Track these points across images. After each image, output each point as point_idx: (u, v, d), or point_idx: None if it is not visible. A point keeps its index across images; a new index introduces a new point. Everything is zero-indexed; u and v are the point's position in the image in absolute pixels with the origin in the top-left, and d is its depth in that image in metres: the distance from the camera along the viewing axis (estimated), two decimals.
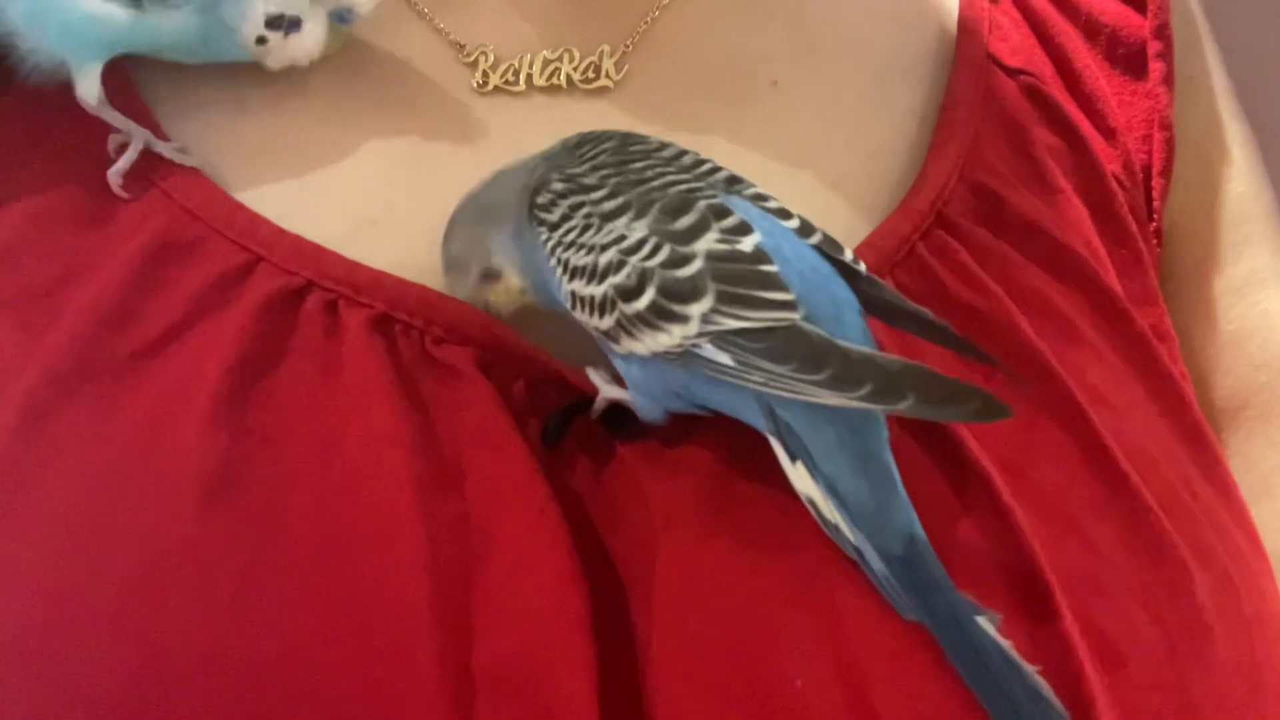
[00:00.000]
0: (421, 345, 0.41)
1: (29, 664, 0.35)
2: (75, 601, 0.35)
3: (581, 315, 0.39)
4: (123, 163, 0.42)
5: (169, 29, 0.42)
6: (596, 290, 0.38)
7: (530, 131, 0.46)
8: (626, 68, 0.48)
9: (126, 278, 0.41)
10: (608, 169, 0.40)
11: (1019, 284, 0.44)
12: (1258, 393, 0.48)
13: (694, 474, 0.39)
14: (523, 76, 0.47)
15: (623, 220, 0.39)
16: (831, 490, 0.37)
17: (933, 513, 0.38)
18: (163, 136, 0.44)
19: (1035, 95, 0.50)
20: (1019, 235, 0.46)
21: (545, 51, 0.48)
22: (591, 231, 0.39)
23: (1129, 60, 0.51)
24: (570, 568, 0.37)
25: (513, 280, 0.41)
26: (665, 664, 0.36)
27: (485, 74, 0.47)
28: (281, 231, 0.42)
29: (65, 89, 0.43)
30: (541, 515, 0.37)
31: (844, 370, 0.36)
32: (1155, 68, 0.50)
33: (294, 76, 0.45)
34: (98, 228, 0.43)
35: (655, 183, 0.39)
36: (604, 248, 0.38)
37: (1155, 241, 0.50)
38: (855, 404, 0.36)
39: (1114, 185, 0.49)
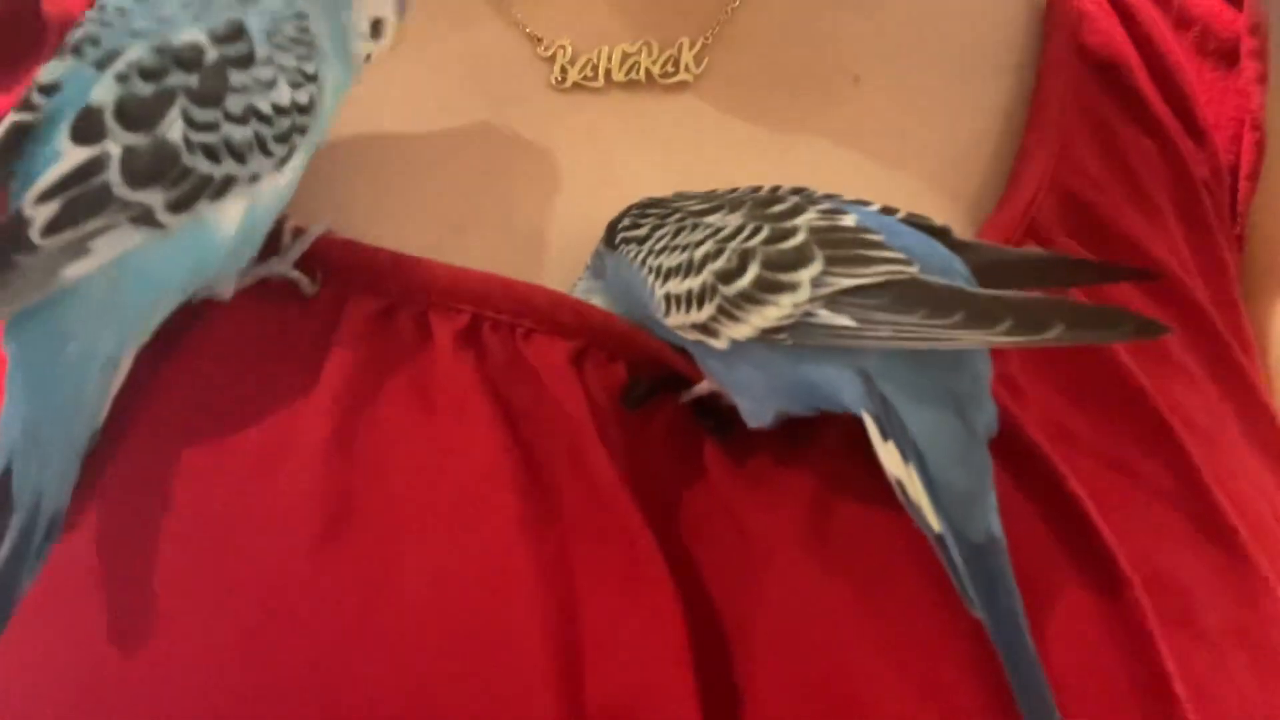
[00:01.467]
0: (512, 342, 0.40)
1: (154, 714, 0.35)
2: (193, 647, 0.35)
3: (677, 316, 0.39)
4: (307, 292, 0.41)
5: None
6: (694, 282, 0.38)
7: (610, 129, 0.46)
8: (706, 61, 0.47)
9: (234, 313, 0.40)
10: (693, 199, 0.40)
11: (1110, 300, 0.44)
12: None
13: (795, 504, 0.38)
14: (601, 71, 0.47)
15: (717, 215, 0.38)
16: (923, 472, 0.36)
17: (1029, 545, 0.38)
18: None
19: (1125, 93, 0.49)
20: (1108, 246, 0.45)
21: (624, 45, 0.47)
22: (685, 232, 0.39)
23: (1220, 55, 0.50)
24: (670, 603, 0.37)
25: None
26: (764, 700, 0.36)
27: (564, 69, 0.46)
28: (370, 250, 0.41)
29: None
30: (636, 548, 0.37)
31: (978, 309, 0.34)
32: (1249, 66, 0.49)
33: (373, 81, 0.44)
34: None
35: (739, 192, 0.39)
36: (699, 243, 0.38)
37: (1237, 246, 0.49)
38: (1000, 340, 0.34)
39: (1202, 190, 0.48)
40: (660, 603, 0.36)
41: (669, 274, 0.38)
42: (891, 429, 0.36)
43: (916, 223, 0.39)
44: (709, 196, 0.40)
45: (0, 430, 0.37)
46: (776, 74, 0.47)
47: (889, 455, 0.36)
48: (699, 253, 0.38)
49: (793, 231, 0.37)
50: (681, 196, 0.41)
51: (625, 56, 0.47)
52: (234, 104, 0.37)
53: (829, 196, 0.39)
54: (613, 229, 0.41)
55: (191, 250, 0.38)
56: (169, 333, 0.39)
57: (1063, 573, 0.38)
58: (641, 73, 0.47)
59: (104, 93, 0.37)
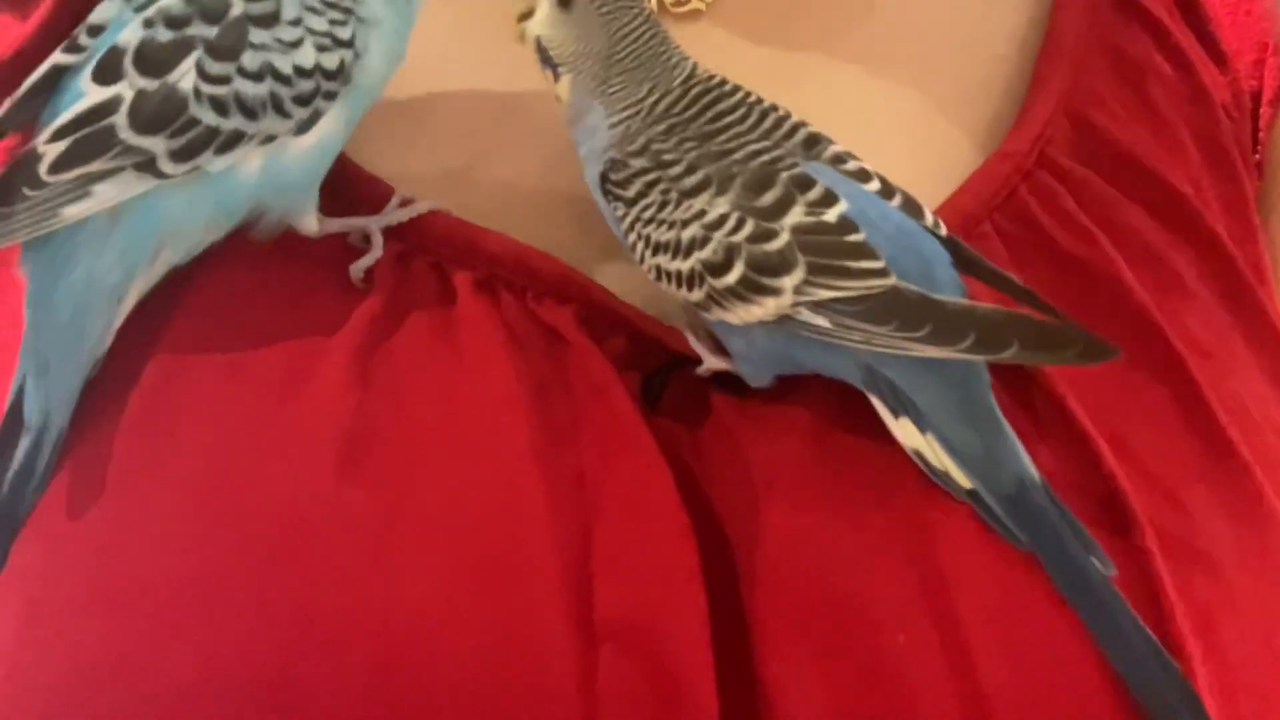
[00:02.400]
0: (524, 303, 0.41)
1: (175, 630, 0.36)
2: (220, 567, 0.36)
3: (668, 287, 0.40)
4: (367, 260, 0.41)
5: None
6: (684, 265, 0.39)
7: None
8: None
9: (261, 249, 0.41)
10: (689, 141, 0.40)
11: (1122, 228, 0.44)
12: None
13: (794, 434, 0.39)
14: None
15: (704, 196, 0.39)
16: (940, 439, 0.37)
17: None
18: None
19: (1144, 19, 0.48)
20: (1123, 174, 0.45)
21: None
22: (670, 207, 0.39)
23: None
24: (680, 522, 0.38)
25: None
26: (770, 621, 0.37)
27: None
28: (381, 187, 0.42)
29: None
30: (650, 470, 0.38)
31: (945, 324, 0.37)
32: (1272, 64, 0.49)
33: None
34: None
35: (737, 155, 0.39)
36: (685, 223, 0.39)
37: (1257, 172, 0.48)
38: (959, 355, 0.36)
39: (1222, 116, 0.48)
40: (671, 523, 0.37)
41: (658, 248, 0.39)
42: (901, 405, 0.37)
43: (909, 213, 0.39)
44: (694, 163, 0.39)
45: (20, 353, 0.39)
46: (787, 2, 0.47)
47: (904, 430, 0.38)
48: (686, 235, 0.39)
49: (776, 233, 0.37)
50: (716, 96, 0.40)
51: None
52: (250, 60, 0.38)
53: (838, 157, 0.39)
54: (610, 165, 0.41)
55: (198, 200, 0.38)
56: (205, 272, 0.40)
57: (1078, 512, 0.38)
58: (653, 2, 0.46)
59: (129, 35, 0.38)
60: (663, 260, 0.39)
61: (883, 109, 0.45)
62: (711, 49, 0.46)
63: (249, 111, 0.38)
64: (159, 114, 0.37)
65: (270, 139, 0.38)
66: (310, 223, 0.40)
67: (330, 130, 0.39)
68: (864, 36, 0.46)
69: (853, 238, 0.37)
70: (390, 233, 0.41)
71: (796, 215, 0.38)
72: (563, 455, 0.38)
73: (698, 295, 0.39)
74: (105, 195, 0.37)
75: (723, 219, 0.38)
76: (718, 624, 0.37)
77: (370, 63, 0.40)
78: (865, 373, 0.38)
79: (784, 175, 0.38)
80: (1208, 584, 0.39)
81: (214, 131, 0.38)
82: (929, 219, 0.40)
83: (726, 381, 0.41)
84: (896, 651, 0.37)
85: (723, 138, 0.40)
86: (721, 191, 0.38)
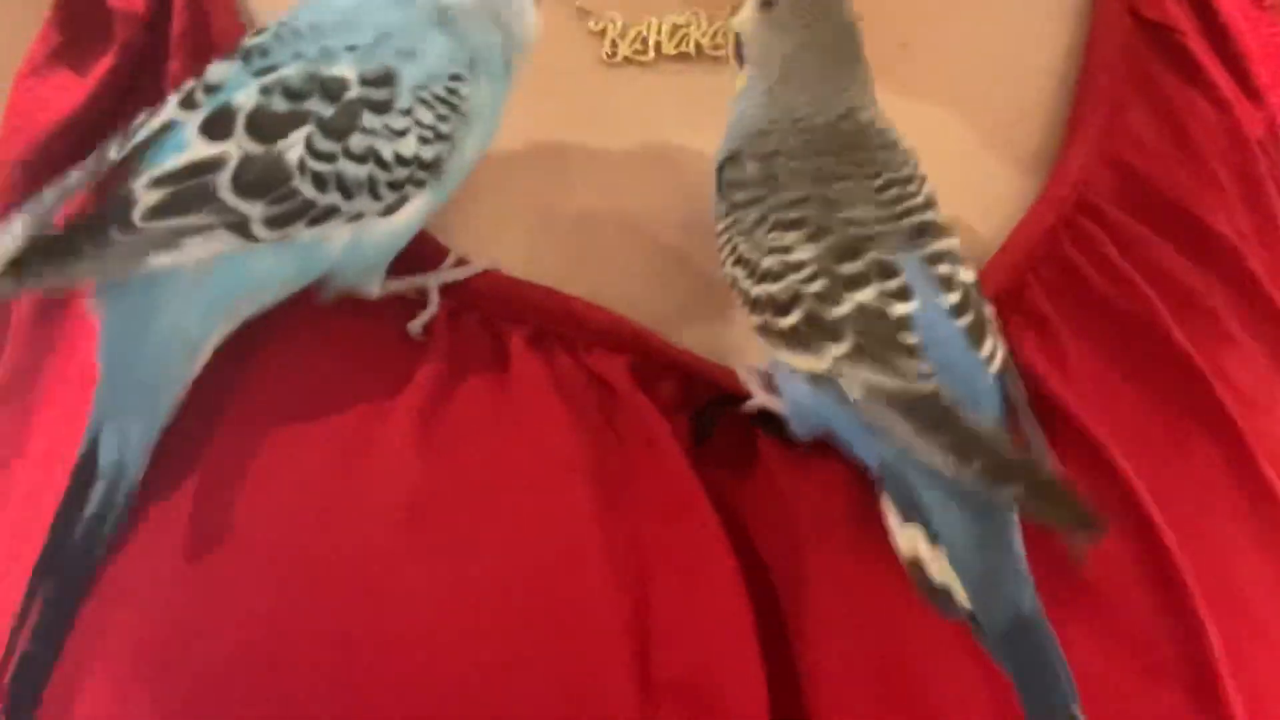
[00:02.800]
0: (575, 355, 0.41)
1: (252, 696, 0.37)
2: (295, 635, 0.37)
3: (735, 298, 0.40)
4: (425, 316, 0.41)
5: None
6: (754, 288, 0.39)
7: (662, 105, 0.46)
8: None
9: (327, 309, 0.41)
10: (809, 174, 0.40)
11: (1164, 276, 0.44)
12: None
13: (841, 488, 0.39)
14: (651, 44, 0.47)
15: (795, 235, 0.39)
16: (950, 554, 0.37)
17: None
18: None
19: (1178, 54, 0.48)
20: (1163, 219, 0.45)
21: (673, 17, 0.47)
22: (764, 229, 0.39)
23: (1278, 7, 0.49)
24: (734, 581, 0.38)
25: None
26: (824, 676, 0.38)
27: (614, 43, 0.47)
28: (436, 246, 0.43)
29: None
30: (703, 530, 0.39)
31: (959, 441, 0.36)
32: None
33: None
34: None
35: (842, 213, 0.39)
36: (770, 251, 0.39)
37: None
38: (963, 477, 0.36)
39: (1257, 152, 0.48)
40: (726, 583, 0.38)
41: (739, 260, 0.40)
42: (915, 511, 0.37)
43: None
44: (799, 199, 0.40)
45: (94, 399, 0.39)
46: None
47: (907, 537, 0.37)
48: (765, 263, 0.39)
49: (843, 302, 0.38)
50: (855, 139, 0.40)
51: (675, 29, 0.47)
52: (357, 143, 0.38)
53: (935, 256, 0.39)
54: (721, 165, 0.42)
55: (282, 266, 0.39)
56: (268, 325, 0.40)
57: (1115, 559, 0.39)
58: (691, 45, 0.47)
59: (245, 98, 0.39)
60: (738, 273, 0.40)
61: (922, 150, 0.45)
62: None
63: (346, 190, 0.39)
64: (261, 180, 0.38)
65: (358, 217, 0.39)
66: (373, 286, 0.41)
67: (415, 213, 0.40)
68: (900, 78, 0.47)
69: (907, 338, 0.38)
70: (442, 289, 0.42)
71: (866, 295, 0.38)
72: (618, 514, 0.39)
73: (756, 320, 0.39)
74: (194, 250, 0.38)
75: (801, 265, 0.39)
76: (772, 677, 0.37)
77: (463, 154, 0.41)
78: (889, 466, 0.38)
79: (872, 255, 0.39)
80: (1252, 642, 0.39)
81: (310, 204, 0.38)
82: (986, 349, 0.39)
83: (773, 427, 0.41)
84: (950, 704, 0.37)
85: (840, 186, 0.40)
86: (812, 239, 0.39)
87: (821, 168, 0.40)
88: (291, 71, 0.39)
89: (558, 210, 0.44)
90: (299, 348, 0.41)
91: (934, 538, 0.37)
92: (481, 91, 0.41)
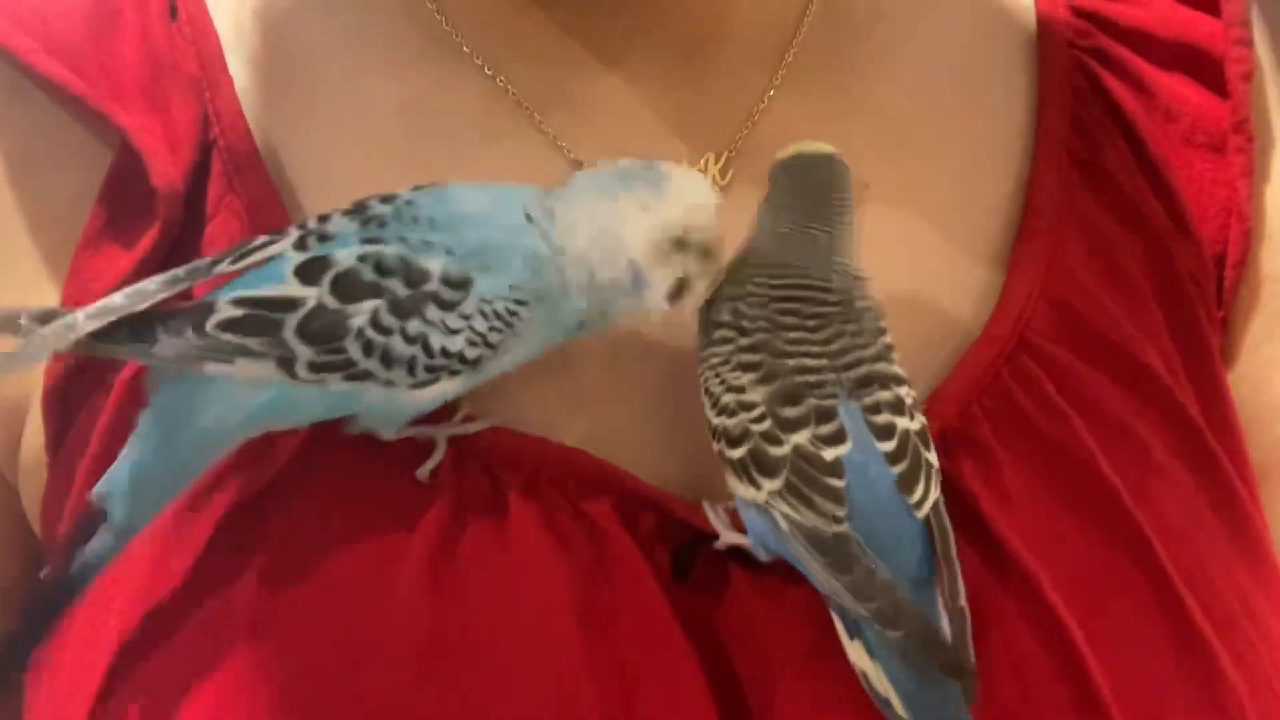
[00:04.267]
0: (568, 498, 0.45)
1: None
2: None
3: (706, 429, 0.44)
4: (431, 463, 0.45)
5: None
6: (714, 420, 0.44)
7: None
8: (730, 173, 0.51)
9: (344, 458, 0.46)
10: (767, 322, 0.44)
11: (1098, 411, 0.48)
12: None
13: (806, 621, 0.43)
14: None
15: (749, 377, 0.44)
16: (886, 670, 0.41)
17: (1003, 653, 0.43)
18: None
19: (1112, 190, 0.52)
20: (1098, 355, 0.49)
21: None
22: (728, 368, 0.44)
23: (1209, 146, 0.53)
24: (706, 708, 0.42)
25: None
26: None
27: None
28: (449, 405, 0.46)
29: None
30: (680, 660, 0.43)
31: (859, 582, 0.41)
32: (1235, 161, 0.53)
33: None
34: None
35: (790, 361, 0.44)
36: (729, 389, 0.44)
37: (1221, 329, 0.53)
38: (859, 612, 0.41)
39: (1187, 282, 0.52)
40: (699, 708, 0.42)
41: (707, 392, 0.44)
42: (855, 630, 0.42)
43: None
44: (757, 345, 0.44)
45: (122, 459, 0.44)
46: None
47: (855, 651, 0.42)
48: (724, 399, 0.43)
49: (782, 443, 0.42)
50: (741, 319, 0.45)
51: None
52: (414, 327, 0.43)
53: (875, 407, 0.43)
54: (710, 302, 0.46)
55: (317, 400, 0.43)
56: (292, 460, 0.45)
57: (1033, 662, 0.43)
58: None
59: (343, 256, 0.43)
60: (706, 404, 0.44)
61: (877, 283, 0.49)
62: (728, 230, 0.50)
63: (387, 362, 0.43)
64: (321, 331, 0.42)
65: (390, 384, 0.43)
66: (389, 433, 0.45)
67: (440, 393, 0.44)
68: (860, 216, 0.51)
69: (833, 481, 0.42)
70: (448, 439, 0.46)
71: (802, 438, 0.42)
72: (605, 646, 0.43)
73: (715, 448, 0.44)
74: (244, 371, 0.42)
75: (752, 405, 0.43)
76: None
77: (501, 360, 0.45)
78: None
79: (813, 401, 0.43)
80: None
81: (350, 363, 0.42)
82: (916, 495, 0.43)
83: (747, 557, 0.45)
84: None
85: (793, 335, 0.44)
86: (763, 383, 0.43)
87: (780, 319, 0.44)
88: (391, 250, 0.43)
89: (550, 357, 0.48)
90: (319, 492, 0.45)
91: (873, 653, 0.41)
92: (537, 323, 0.44)
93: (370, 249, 0.43)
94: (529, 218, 0.44)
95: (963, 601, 0.42)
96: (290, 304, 0.42)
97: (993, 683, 0.43)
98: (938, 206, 0.52)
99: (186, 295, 0.45)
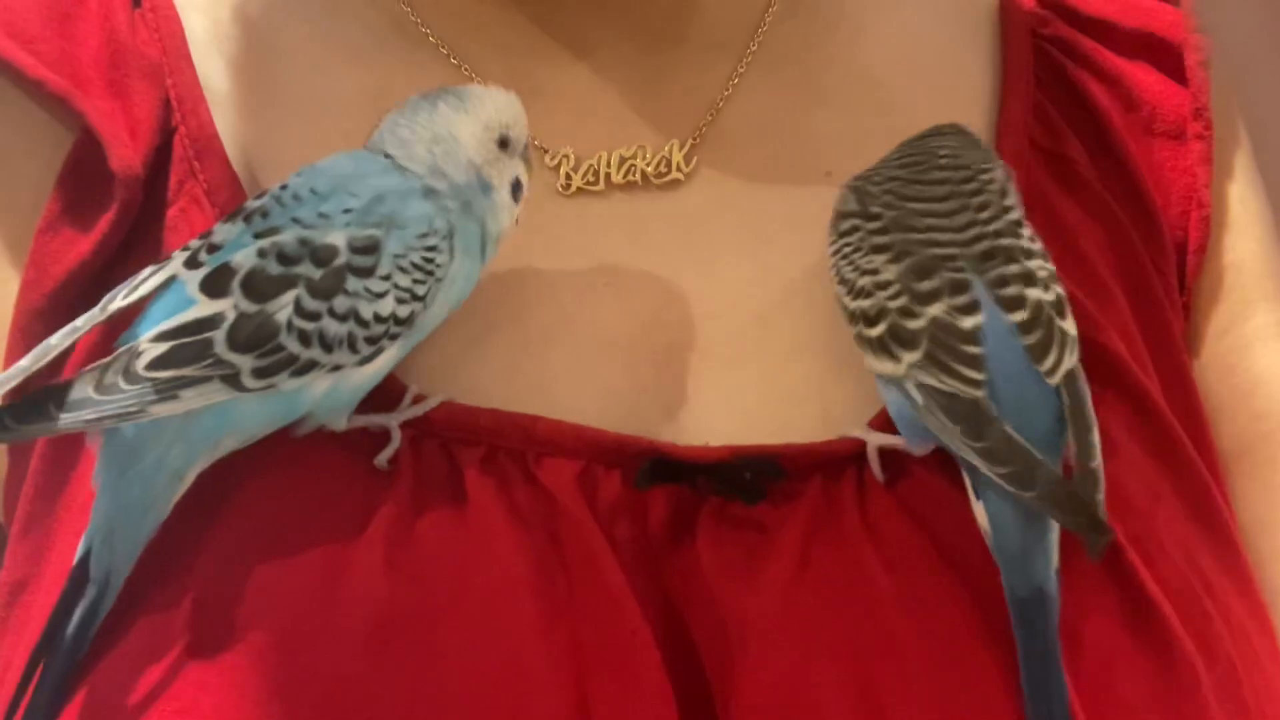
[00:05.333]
0: (525, 465, 0.45)
1: None
2: None
3: (841, 315, 0.46)
4: (389, 451, 0.45)
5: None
6: (850, 304, 0.46)
7: (612, 229, 0.51)
8: (695, 160, 0.52)
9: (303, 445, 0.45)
10: (896, 200, 0.46)
11: None
12: (1260, 441, 0.52)
13: (766, 590, 0.44)
14: (601, 175, 0.51)
15: (881, 258, 0.45)
16: (996, 532, 0.44)
17: (958, 626, 0.43)
18: None
19: (1074, 178, 0.53)
20: None
21: (621, 150, 0.51)
22: (860, 254, 0.46)
23: (1169, 134, 0.54)
24: (661, 686, 0.42)
25: None
26: None
27: (568, 175, 0.51)
28: (395, 382, 0.47)
29: None
30: (635, 637, 0.43)
31: (998, 446, 0.43)
32: (1194, 148, 0.53)
33: None
34: None
35: (920, 235, 0.46)
36: (864, 272, 0.45)
37: (1184, 314, 0.53)
38: (994, 478, 0.43)
39: (1150, 269, 0.52)
40: (654, 688, 0.42)
41: (840, 280, 0.46)
42: (978, 491, 0.44)
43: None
44: (888, 225, 0.46)
45: (91, 518, 0.44)
46: (756, 170, 0.52)
47: (978, 511, 0.44)
48: (859, 282, 0.45)
49: (919, 316, 0.44)
50: (869, 204, 0.47)
51: (623, 160, 0.51)
52: (340, 304, 0.42)
53: (1002, 279, 0.45)
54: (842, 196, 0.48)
55: (265, 411, 0.43)
56: (249, 457, 0.45)
57: (982, 647, 0.43)
58: (638, 174, 0.51)
59: (242, 259, 0.42)
60: (840, 291, 0.46)
61: None
62: (689, 217, 0.51)
63: (327, 346, 0.42)
64: (254, 337, 0.42)
65: (337, 368, 0.43)
66: (340, 422, 0.45)
67: (386, 362, 0.44)
68: (823, 203, 0.51)
69: (971, 348, 0.44)
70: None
71: (938, 309, 0.44)
72: (561, 625, 0.43)
73: (853, 331, 0.45)
74: (190, 400, 0.42)
75: (887, 284, 0.45)
76: None
77: (433, 311, 0.45)
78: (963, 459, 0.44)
79: (946, 273, 0.45)
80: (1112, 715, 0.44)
81: (294, 358, 0.42)
82: (1048, 363, 0.44)
83: (713, 534, 0.45)
84: None
85: (920, 206, 0.46)
86: (895, 260, 0.45)
87: (906, 193, 0.46)
88: (287, 237, 0.43)
89: (516, 332, 0.48)
90: (278, 478, 0.45)
91: (990, 513, 0.43)
92: (456, 262, 0.45)
93: (266, 242, 0.43)
94: (388, 157, 0.45)
95: (1096, 464, 0.44)
96: (211, 322, 0.42)
97: (947, 663, 0.43)
98: None
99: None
